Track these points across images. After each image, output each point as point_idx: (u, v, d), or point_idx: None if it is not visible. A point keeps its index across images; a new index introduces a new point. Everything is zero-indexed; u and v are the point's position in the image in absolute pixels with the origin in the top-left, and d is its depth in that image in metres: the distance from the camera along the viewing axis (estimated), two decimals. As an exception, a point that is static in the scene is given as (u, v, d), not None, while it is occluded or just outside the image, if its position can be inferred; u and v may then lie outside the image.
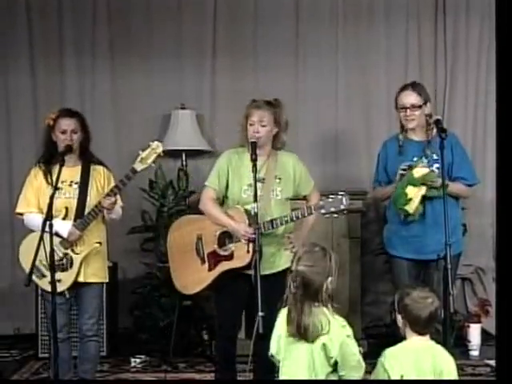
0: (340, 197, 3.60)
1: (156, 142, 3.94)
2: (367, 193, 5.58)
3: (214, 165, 4.02)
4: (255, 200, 3.62)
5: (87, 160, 4.08)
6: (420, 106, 4.15)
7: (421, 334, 3.00)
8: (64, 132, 3.97)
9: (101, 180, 4.08)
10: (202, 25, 5.92)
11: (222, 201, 3.97)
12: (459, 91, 5.86)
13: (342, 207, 3.60)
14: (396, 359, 2.96)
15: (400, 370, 2.93)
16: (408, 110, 4.16)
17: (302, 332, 2.94)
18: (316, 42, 5.90)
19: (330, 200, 3.62)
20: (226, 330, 3.91)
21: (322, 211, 3.66)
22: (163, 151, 3.99)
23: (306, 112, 5.83)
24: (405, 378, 2.91)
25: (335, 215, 3.66)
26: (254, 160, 3.71)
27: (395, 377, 2.92)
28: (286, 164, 3.92)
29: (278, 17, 5.90)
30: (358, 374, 3.00)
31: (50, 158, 4.00)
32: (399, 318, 3.04)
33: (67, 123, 3.98)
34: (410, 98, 4.16)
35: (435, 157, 4.09)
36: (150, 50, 5.93)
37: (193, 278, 3.94)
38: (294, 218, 3.75)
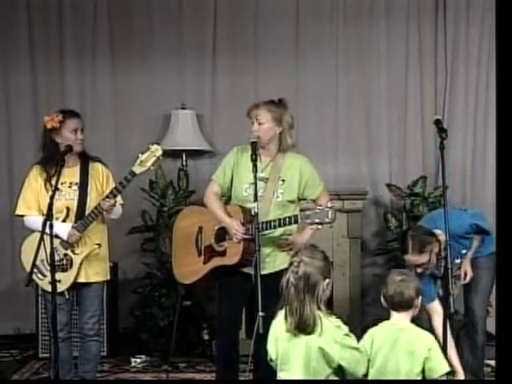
0: (326, 209, 3.56)
1: (155, 146, 3.94)
2: (367, 193, 5.60)
3: (222, 160, 4.03)
4: (255, 199, 3.62)
5: (85, 159, 4.08)
6: (429, 260, 4.01)
7: (395, 311, 3.15)
8: (75, 131, 3.97)
9: (100, 179, 4.08)
10: (202, 25, 5.92)
11: (230, 197, 3.98)
12: (459, 91, 5.86)
13: (327, 220, 3.56)
14: (372, 336, 3.15)
15: (376, 346, 3.10)
16: (418, 269, 4.01)
17: (302, 323, 2.94)
18: (316, 42, 5.90)
19: (317, 211, 3.58)
20: (225, 329, 3.91)
21: (307, 221, 3.62)
22: (163, 151, 3.99)
23: (306, 112, 5.82)
24: (379, 353, 3.08)
25: (319, 226, 3.61)
26: (253, 160, 3.71)
27: (371, 351, 3.11)
28: (292, 166, 3.90)
29: (279, 17, 5.91)
30: (362, 369, 3.03)
31: (51, 159, 3.98)
32: (382, 297, 3.21)
33: (76, 122, 4.00)
34: (417, 260, 4.00)
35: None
36: (150, 50, 5.94)
37: (189, 268, 3.99)
38: (282, 224, 3.73)
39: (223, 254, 3.86)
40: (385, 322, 3.20)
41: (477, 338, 4.26)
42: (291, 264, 3.03)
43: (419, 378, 3.06)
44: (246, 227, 3.73)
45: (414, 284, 3.18)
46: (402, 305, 3.14)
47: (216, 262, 3.88)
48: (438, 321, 3.94)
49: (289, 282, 2.99)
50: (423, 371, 3.06)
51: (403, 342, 3.08)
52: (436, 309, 4.07)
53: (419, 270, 4.03)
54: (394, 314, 3.18)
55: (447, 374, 3.12)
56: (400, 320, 3.15)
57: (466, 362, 4.16)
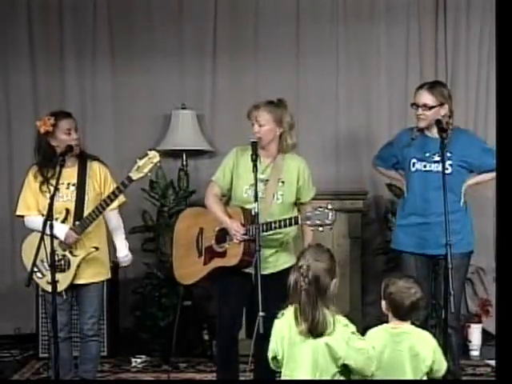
0: (327, 211, 3.56)
1: (153, 152, 3.92)
2: (368, 193, 5.60)
3: (222, 160, 4.03)
4: (255, 200, 3.62)
5: (83, 159, 4.08)
6: (432, 107, 4.06)
7: (402, 320, 3.14)
8: (68, 131, 3.97)
9: (97, 179, 4.08)
10: (202, 25, 5.92)
11: (230, 197, 3.98)
12: (460, 91, 5.85)
13: (328, 222, 3.56)
14: (373, 339, 3.12)
15: (378, 349, 3.08)
16: (419, 109, 4.10)
17: (314, 327, 2.93)
18: (316, 42, 5.90)
19: (317, 213, 3.58)
20: (226, 329, 3.91)
21: (308, 223, 3.62)
22: (163, 152, 3.98)
23: (307, 112, 5.81)
24: (381, 356, 3.06)
25: (320, 228, 3.60)
26: (254, 160, 3.71)
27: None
28: (291, 168, 3.89)
29: (279, 17, 5.90)
30: (371, 368, 3.00)
31: (49, 161, 3.98)
32: (383, 303, 3.18)
33: (69, 122, 4.00)
34: (423, 97, 4.09)
35: (448, 154, 4.01)
36: (150, 50, 5.93)
37: (190, 269, 3.99)
38: (282, 225, 3.72)
39: (223, 255, 3.86)
40: (384, 324, 3.18)
41: (450, 338, 4.15)
42: (300, 267, 2.98)
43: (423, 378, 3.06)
44: (246, 228, 3.73)
45: (421, 294, 3.16)
46: (412, 313, 3.13)
47: (216, 262, 3.88)
48: None
49: (298, 285, 2.97)
50: (429, 371, 3.07)
51: (407, 345, 3.07)
52: None
53: (419, 112, 4.08)
54: (396, 320, 3.15)
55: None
56: (401, 323, 3.14)
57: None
